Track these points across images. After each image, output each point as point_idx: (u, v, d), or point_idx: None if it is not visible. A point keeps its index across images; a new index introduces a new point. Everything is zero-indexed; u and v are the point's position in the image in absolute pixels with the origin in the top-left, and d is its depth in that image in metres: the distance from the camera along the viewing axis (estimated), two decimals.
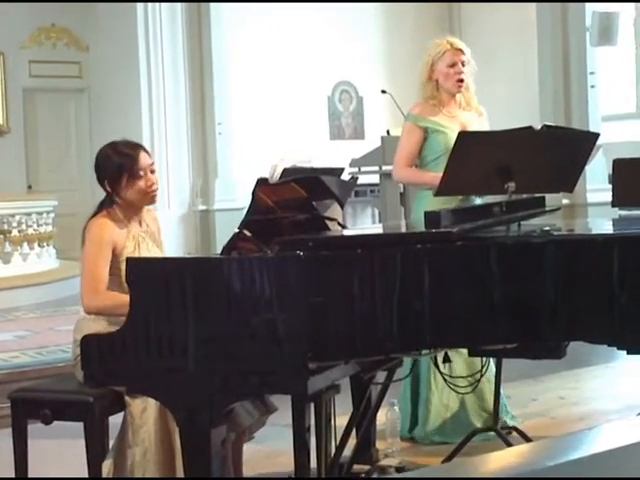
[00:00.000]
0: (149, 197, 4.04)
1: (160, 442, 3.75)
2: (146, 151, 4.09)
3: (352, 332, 3.18)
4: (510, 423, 5.07)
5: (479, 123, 5.17)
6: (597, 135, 4.20)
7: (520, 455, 1.52)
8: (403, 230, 4.59)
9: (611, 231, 4.40)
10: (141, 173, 3.99)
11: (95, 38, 14.48)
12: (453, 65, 5.04)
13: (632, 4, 13.39)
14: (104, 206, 4.03)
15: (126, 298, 3.45)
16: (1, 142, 14.09)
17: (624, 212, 4.75)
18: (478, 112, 5.22)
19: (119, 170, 3.97)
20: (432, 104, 5.08)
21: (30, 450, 3.92)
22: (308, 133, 14.02)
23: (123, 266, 3.76)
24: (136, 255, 3.95)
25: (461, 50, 5.08)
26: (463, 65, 5.06)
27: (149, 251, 4.04)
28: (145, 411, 3.75)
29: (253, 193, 3.55)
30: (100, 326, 3.86)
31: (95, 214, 4.02)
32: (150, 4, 13.18)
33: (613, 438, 1.52)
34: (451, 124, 5.02)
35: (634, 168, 4.75)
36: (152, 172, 4.05)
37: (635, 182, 4.60)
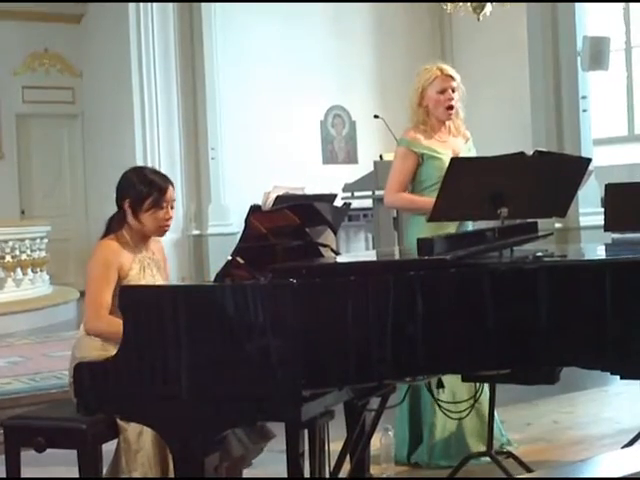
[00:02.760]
0: (162, 229, 4.11)
1: (159, 464, 3.75)
2: (174, 187, 4.15)
3: (346, 359, 3.18)
4: (506, 448, 5.05)
5: (467, 149, 5.18)
6: (589, 160, 4.22)
7: None
8: (396, 257, 4.60)
9: (603, 256, 4.41)
10: (164, 204, 4.04)
11: (88, 64, 14.53)
12: (443, 91, 5.05)
13: (622, 30, 13.47)
14: (112, 229, 4.05)
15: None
16: None
17: (616, 236, 4.76)
18: (465, 137, 5.23)
19: (148, 192, 4.01)
20: (423, 129, 5.09)
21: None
22: (301, 157, 14.05)
23: None
24: (141, 278, 4.02)
25: (451, 76, 5.09)
26: (453, 91, 5.07)
27: (153, 277, 4.08)
28: (141, 435, 3.76)
29: (246, 220, 3.55)
30: (99, 344, 3.92)
31: (103, 236, 4.04)
32: (143, 30, 13.23)
33: (609, 469, 1.52)
34: (444, 149, 5.03)
35: (626, 192, 4.76)
36: (172, 207, 4.12)
37: (627, 206, 4.62)
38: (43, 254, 11.92)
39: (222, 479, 3.88)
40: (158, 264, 4.17)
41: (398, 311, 3.18)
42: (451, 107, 5.07)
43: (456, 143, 5.14)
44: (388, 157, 8.79)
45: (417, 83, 5.11)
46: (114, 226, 4.07)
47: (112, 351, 3.59)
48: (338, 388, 3.57)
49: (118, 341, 3.60)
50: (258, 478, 4.59)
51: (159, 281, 4.11)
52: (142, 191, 4.02)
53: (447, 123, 5.14)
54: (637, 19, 13.54)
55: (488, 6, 10.90)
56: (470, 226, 5.00)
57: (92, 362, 3.60)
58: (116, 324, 3.72)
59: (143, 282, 4.00)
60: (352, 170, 13.20)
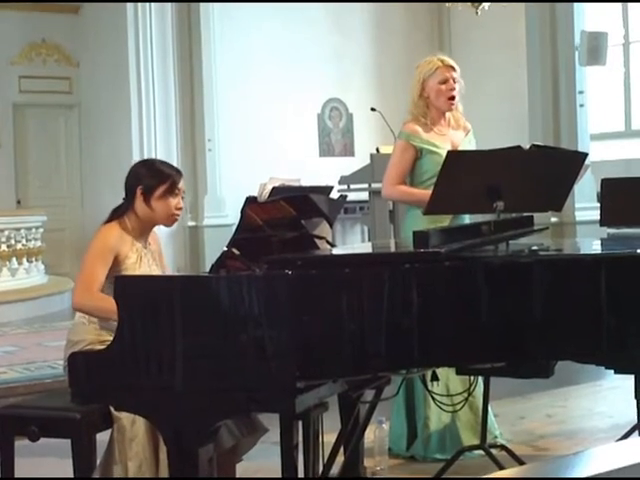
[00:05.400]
0: (172, 218, 4.12)
1: (153, 453, 3.76)
2: (183, 178, 4.19)
3: (340, 351, 3.18)
4: (500, 441, 5.06)
5: (468, 141, 5.18)
6: (585, 155, 4.22)
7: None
8: (392, 249, 4.60)
9: (599, 251, 4.42)
10: (176, 192, 4.07)
11: (86, 54, 14.51)
12: (445, 82, 5.03)
13: (620, 25, 13.46)
14: (115, 215, 4.06)
15: (114, 304, 3.53)
16: None
17: (612, 230, 4.77)
18: (466, 130, 5.23)
19: (161, 180, 4.04)
20: (423, 122, 5.07)
21: (17, 468, 3.91)
22: (298, 150, 14.04)
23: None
24: (137, 268, 4.02)
25: (452, 67, 5.08)
26: (454, 82, 5.06)
27: (149, 267, 4.09)
28: (135, 423, 3.77)
29: (242, 211, 3.55)
30: (94, 328, 3.94)
31: (108, 221, 4.05)
32: (141, 20, 13.21)
33: (602, 462, 1.52)
34: (443, 143, 5.02)
35: (622, 187, 4.77)
36: (182, 198, 4.15)
37: (623, 201, 4.63)
38: (39, 244, 11.93)
39: (218, 478, 3.89)
40: (154, 255, 4.17)
41: (393, 303, 3.18)
42: (453, 97, 5.06)
43: (455, 136, 5.13)
44: (385, 150, 8.79)
45: (418, 75, 5.09)
46: (118, 212, 4.08)
47: (106, 336, 3.62)
48: (332, 380, 3.57)
49: (106, 321, 3.77)
50: (253, 478, 4.60)
51: (155, 271, 4.12)
52: (155, 179, 4.05)
53: (447, 115, 5.13)
54: (635, 14, 13.54)
55: None
56: (467, 219, 5.00)
57: (86, 352, 3.61)
58: (106, 300, 3.74)
59: (139, 272, 4.00)
60: (349, 163, 13.20)
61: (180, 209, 4.11)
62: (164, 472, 3.66)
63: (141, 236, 4.11)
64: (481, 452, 4.78)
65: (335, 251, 4.05)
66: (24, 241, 11.56)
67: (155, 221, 4.11)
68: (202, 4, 13.29)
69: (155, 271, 4.12)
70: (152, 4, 13.20)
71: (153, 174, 4.06)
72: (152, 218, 4.08)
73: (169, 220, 4.11)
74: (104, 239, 3.98)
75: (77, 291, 3.94)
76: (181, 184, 4.10)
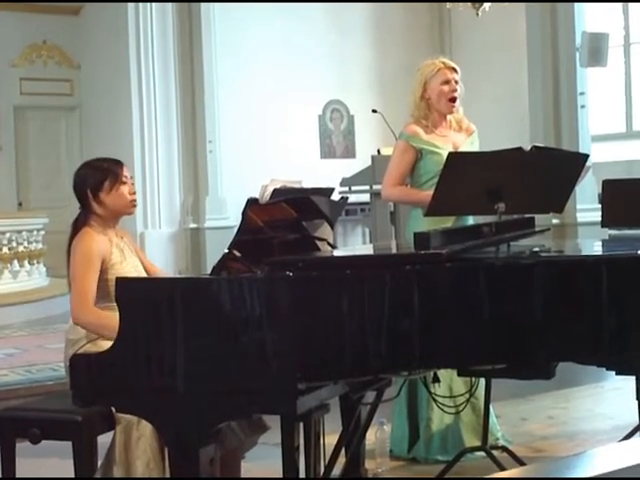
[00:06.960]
0: (131, 204, 4.18)
1: (160, 452, 3.75)
2: (125, 165, 4.26)
3: (341, 352, 3.18)
4: (501, 442, 5.06)
5: (470, 142, 5.17)
6: (586, 156, 4.21)
7: None
8: (393, 251, 4.60)
9: (600, 252, 4.41)
10: (124, 179, 4.15)
11: (86, 56, 14.52)
12: (447, 82, 5.03)
13: (621, 26, 13.46)
14: (79, 223, 4.09)
15: (111, 320, 3.59)
16: None
17: (613, 232, 4.77)
18: (469, 131, 5.21)
19: (103, 175, 4.12)
20: (424, 125, 5.07)
21: (18, 470, 3.91)
22: (299, 152, 14.05)
23: (111, 275, 3.91)
24: (122, 260, 4.07)
25: (454, 69, 5.08)
26: (456, 83, 5.06)
27: (131, 258, 4.14)
28: (141, 422, 3.76)
29: (243, 213, 3.55)
30: None
31: (75, 232, 4.07)
32: (142, 22, 13.23)
33: (603, 463, 1.52)
34: (444, 144, 5.01)
35: (623, 188, 4.77)
36: (132, 184, 4.23)
37: (624, 202, 4.62)
38: (40, 246, 11.92)
39: (218, 479, 3.89)
40: (130, 247, 4.22)
41: (394, 305, 3.18)
42: (454, 99, 5.05)
43: (457, 138, 5.12)
44: (386, 152, 8.80)
45: (420, 76, 5.08)
46: (82, 221, 4.11)
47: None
48: (333, 382, 3.57)
49: (102, 336, 3.79)
50: (255, 479, 4.59)
51: (138, 264, 4.16)
52: (98, 176, 4.12)
53: (448, 117, 5.12)
54: (636, 15, 13.54)
55: None
56: (471, 220, 4.99)
57: (88, 354, 3.61)
58: (102, 316, 3.84)
59: (126, 264, 4.07)
60: (350, 164, 13.21)
61: (134, 194, 4.19)
62: None
63: (112, 231, 4.17)
64: (482, 454, 4.77)
65: (336, 253, 4.05)
66: (26, 243, 11.56)
67: (117, 212, 4.17)
68: (203, 5, 13.31)
69: (138, 264, 4.17)
70: (153, 5, 13.22)
71: (94, 173, 4.14)
72: (112, 211, 4.14)
73: (128, 207, 4.18)
74: (87, 247, 4.01)
75: (74, 307, 3.97)
76: (124, 171, 4.17)
